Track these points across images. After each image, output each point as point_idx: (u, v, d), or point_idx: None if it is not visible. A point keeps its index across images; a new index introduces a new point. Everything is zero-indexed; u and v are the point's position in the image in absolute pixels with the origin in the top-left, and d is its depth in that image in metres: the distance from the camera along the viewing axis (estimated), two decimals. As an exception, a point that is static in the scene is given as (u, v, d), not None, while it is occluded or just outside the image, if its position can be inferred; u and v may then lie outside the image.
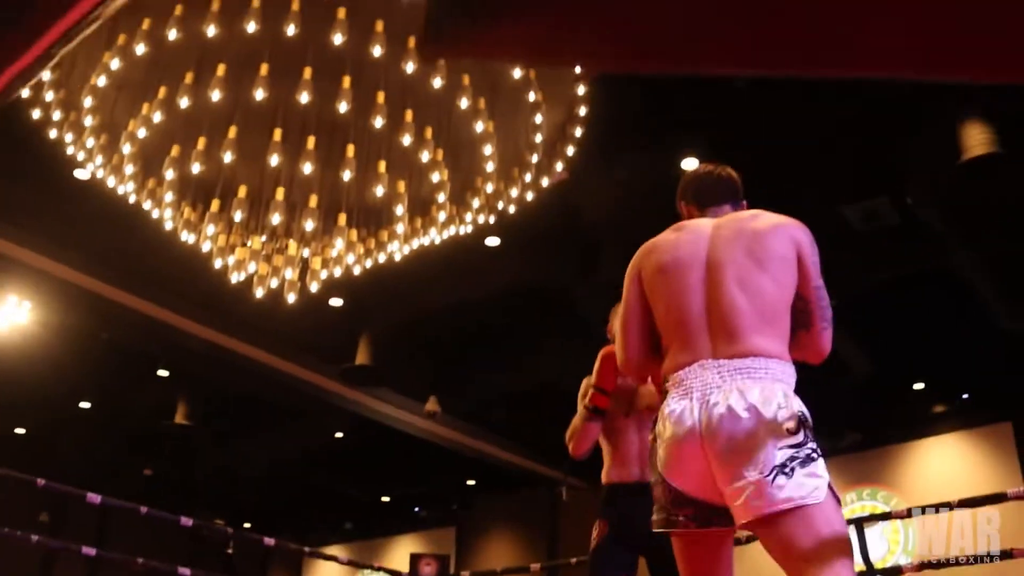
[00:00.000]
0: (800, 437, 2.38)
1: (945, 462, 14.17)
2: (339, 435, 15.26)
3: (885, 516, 6.96)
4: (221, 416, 14.68)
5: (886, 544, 13.96)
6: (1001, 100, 7.58)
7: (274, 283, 7.51)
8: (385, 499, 19.31)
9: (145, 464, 16.92)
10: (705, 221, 2.88)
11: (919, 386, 13.69)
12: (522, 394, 13.18)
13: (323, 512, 20.36)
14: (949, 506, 6.29)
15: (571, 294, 10.42)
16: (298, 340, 12.01)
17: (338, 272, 7.62)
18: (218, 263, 7.42)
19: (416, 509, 19.96)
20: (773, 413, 2.40)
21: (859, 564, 6.73)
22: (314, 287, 7.63)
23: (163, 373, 13.17)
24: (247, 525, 18.81)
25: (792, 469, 2.32)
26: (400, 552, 19.24)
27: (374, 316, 11.28)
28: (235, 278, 7.51)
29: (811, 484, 2.32)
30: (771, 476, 2.30)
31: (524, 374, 12.53)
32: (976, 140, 7.51)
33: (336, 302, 10.79)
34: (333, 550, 17.76)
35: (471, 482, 18.15)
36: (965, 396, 14.03)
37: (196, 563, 8.64)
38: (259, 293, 7.50)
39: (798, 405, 2.49)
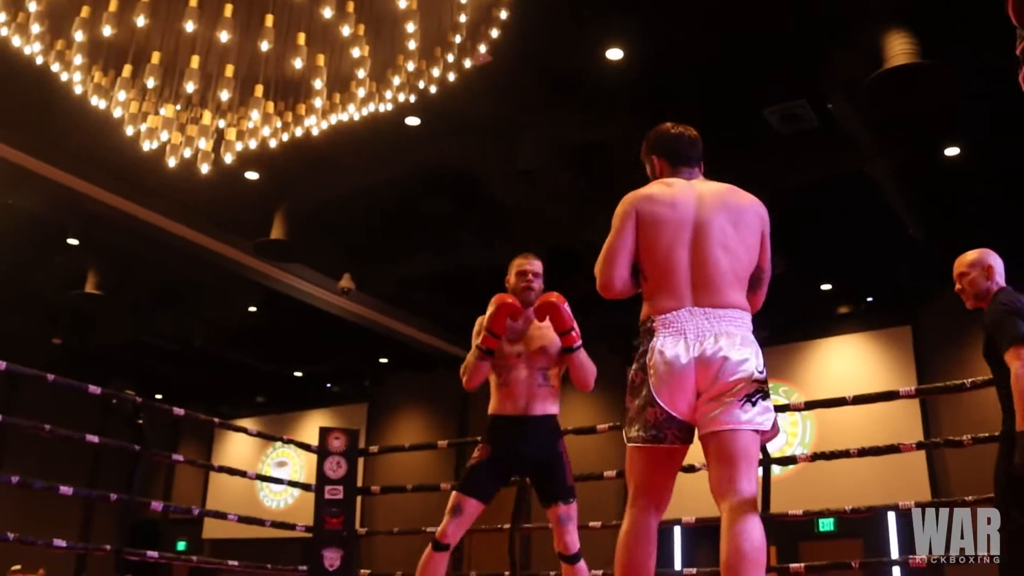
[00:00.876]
0: (763, 377, 3.02)
1: (846, 361, 14.62)
2: (252, 309, 15.20)
3: (784, 408, 7.16)
4: (132, 287, 14.51)
5: (784, 436, 14.44)
6: (926, 10, 7.63)
7: (188, 153, 7.37)
8: (297, 374, 19.38)
9: (53, 333, 16.70)
10: (689, 184, 3.29)
11: (826, 287, 14.02)
12: (439, 275, 13.22)
13: (235, 385, 20.38)
14: (844, 402, 6.51)
15: (490, 179, 10.40)
16: (212, 213, 11.86)
17: (253, 145, 7.49)
18: (130, 130, 7.24)
19: (328, 385, 20.07)
20: (749, 356, 2.99)
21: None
22: (228, 159, 7.49)
23: (72, 242, 12.91)
24: (158, 396, 18.75)
25: (756, 401, 2.96)
26: (311, 427, 19.40)
27: (290, 191, 11.16)
28: (147, 146, 7.35)
29: (765, 416, 2.99)
30: (742, 402, 2.94)
31: (441, 256, 12.55)
32: (898, 49, 7.57)
33: (251, 176, 10.64)
34: (244, 423, 17.81)
35: (384, 360, 18.27)
36: (869, 299, 14.42)
37: (105, 433, 8.61)
38: (172, 163, 7.36)
39: (759, 353, 3.07)
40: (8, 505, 18.98)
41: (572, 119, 9.43)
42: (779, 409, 6.61)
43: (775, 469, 6.91)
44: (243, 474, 8.66)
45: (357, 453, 8.32)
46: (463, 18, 6.88)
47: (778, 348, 14.35)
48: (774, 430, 3.15)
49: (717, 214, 3.16)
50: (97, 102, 7.22)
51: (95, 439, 7.17)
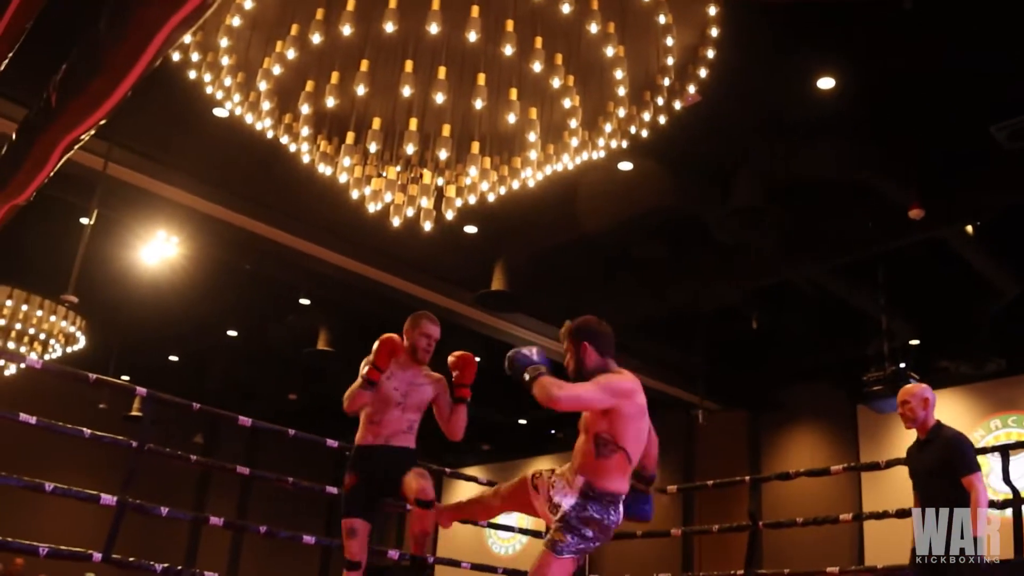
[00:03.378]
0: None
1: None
2: (476, 359, 15.48)
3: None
4: (361, 343, 14.97)
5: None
6: None
7: (410, 212, 7.60)
8: (522, 421, 19.54)
9: (289, 388, 17.46)
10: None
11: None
12: (657, 319, 13.13)
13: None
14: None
15: (704, 219, 10.28)
16: (434, 267, 12.16)
17: (472, 200, 7.66)
18: (355, 194, 7.54)
19: (553, 431, 20.15)
20: None
21: (1005, 491, 6.58)
22: (449, 215, 7.69)
23: (304, 302, 13.50)
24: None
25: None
26: (538, 473, 19.52)
27: (508, 243, 11.34)
28: (372, 208, 7.63)
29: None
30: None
31: (659, 299, 12.47)
32: None
33: (471, 229, 10.88)
34: (471, 471, 18.09)
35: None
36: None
37: (339, 483, 8.92)
38: (396, 222, 7.60)
39: None
40: (251, 554, 19.92)
41: (787, 152, 9.24)
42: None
43: None
44: (474, 522, 8.77)
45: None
46: (670, 60, 6.87)
47: (1018, 378, 13.50)
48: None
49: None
50: (323, 169, 7.57)
51: (333, 490, 7.42)
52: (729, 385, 15.17)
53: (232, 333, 15.38)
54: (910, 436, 5.77)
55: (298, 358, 14.73)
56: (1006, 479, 6.46)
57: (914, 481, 5.56)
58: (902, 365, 11.32)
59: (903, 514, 6.85)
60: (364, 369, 5.23)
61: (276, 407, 17.73)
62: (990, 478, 9.13)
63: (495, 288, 11.51)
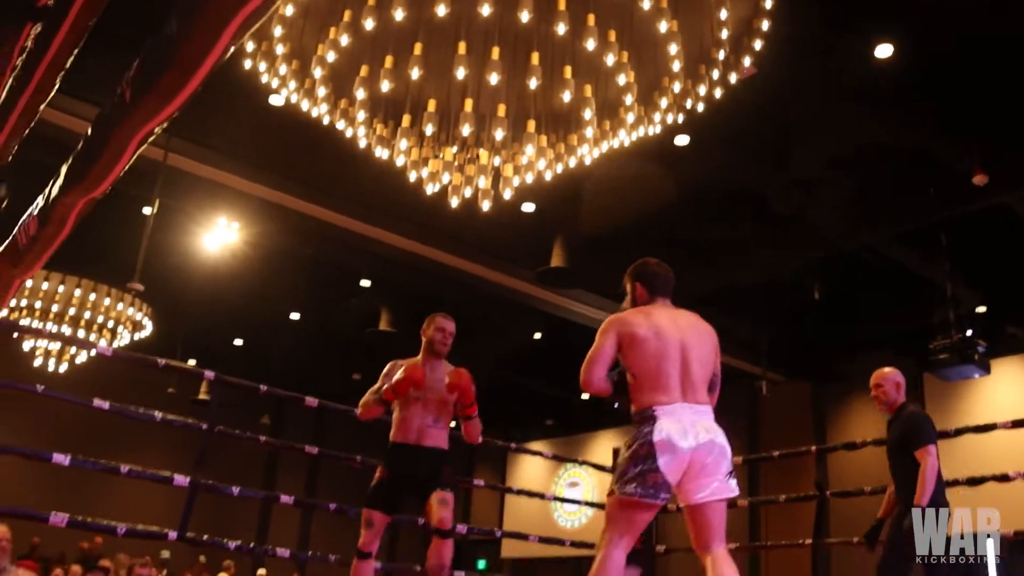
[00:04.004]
0: (731, 456, 4.02)
1: None
2: (537, 336, 15.54)
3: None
4: (422, 322, 15.10)
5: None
6: None
7: (468, 192, 7.65)
8: (584, 396, 19.59)
9: (353, 369, 17.64)
10: (665, 311, 4.28)
11: None
12: (717, 292, 13.10)
13: (525, 410, 20.84)
14: None
15: (763, 191, 10.23)
16: (493, 246, 12.23)
17: (530, 178, 7.68)
18: (413, 176, 7.60)
19: (616, 405, 20.19)
20: (725, 442, 3.99)
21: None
22: (507, 194, 7.72)
23: (365, 283, 13.65)
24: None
25: (733, 475, 4.01)
26: (602, 447, 19.59)
27: (567, 220, 11.35)
28: (430, 189, 7.69)
29: (736, 487, 4.02)
30: (727, 478, 3.96)
31: (719, 272, 12.43)
32: None
33: (529, 208, 10.91)
34: (536, 446, 18.17)
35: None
36: None
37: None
38: (454, 202, 7.65)
39: None
40: (322, 529, 20.21)
41: (845, 121, 9.16)
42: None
43: None
44: (541, 496, 8.86)
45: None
46: (725, 34, 6.83)
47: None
48: None
49: (693, 338, 4.16)
50: (380, 152, 7.63)
51: (401, 470, 7.51)
52: (792, 356, 15.09)
53: (295, 316, 15.58)
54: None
55: (361, 338, 14.89)
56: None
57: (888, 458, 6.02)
58: (968, 333, 11.21)
59: (975, 482, 6.82)
60: (381, 381, 5.50)
61: (341, 387, 17.92)
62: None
63: (554, 265, 11.55)
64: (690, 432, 3.95)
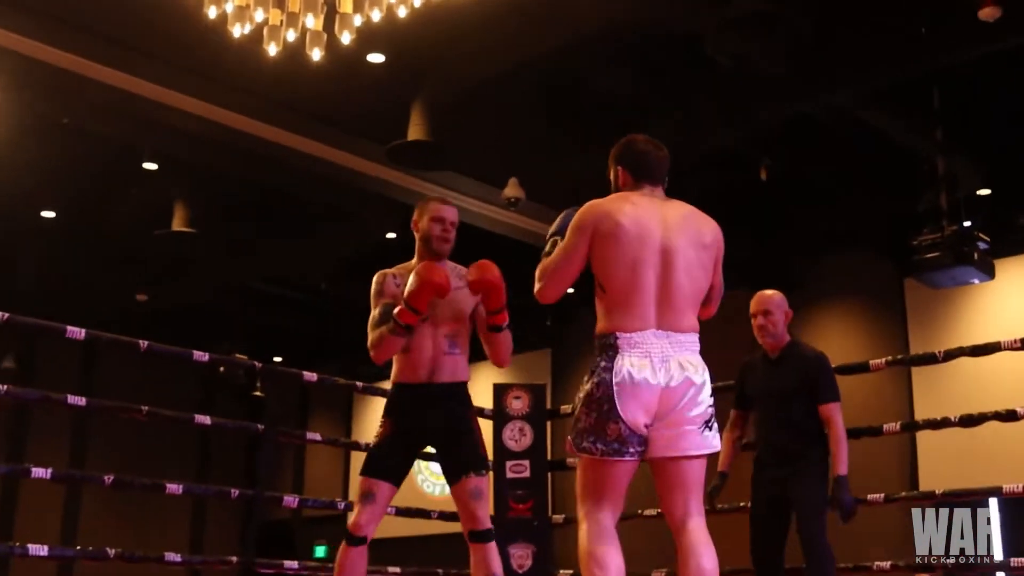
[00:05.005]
0: (712, 401, 4.17)
1: None
2: (391, 235, 15.45)
3: None
4: (233, 219, 14.92)
5: None
6: None
7: (291, 36, 7.52)
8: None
9: (136, 287, 17.36)
10: (653, 204, 4.36)
11: None
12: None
13: (375, 338, 20.81)
14: None
15: (693, 32, 10.23)
16: (328, 113, 12.08)
17: (377, 15, 7.58)
18: (213, 12, 7.43)
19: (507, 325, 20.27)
20: (707, 382, 4.14)
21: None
22: (345, 38, 7.61)
23: (150, 166, 13.34)
24: (277, 359, 19.35)
25: (712, 426, 4.16)
26: (480, 383, 19.66)
27: (429, 75, 11.24)
28: (237, 31, 7.53)
29: (716, 438, 4.21)
30: (700, 429, 4.10)
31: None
32: None
33: (376, 59, 10.77)
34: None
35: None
36: None
37: (213, 409, 8.95)
38: (272, 50, 7.52)
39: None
40: (98, 511, 19.98)
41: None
42: None
43: None
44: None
45: (545, 415, 8.40)
46: None
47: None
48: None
49: (682, 236, 4.25)
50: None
51: (206, 420, 7.39)
52: (731, 256, 15.28)
53: (49, 214, 15.14)
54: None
55: (146, 243, 14.62)
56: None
57: (757, 404, 6.76)
58: (967, 223, 11.35)
59: (970, 422, 7.01)
60: (379, 300, 5.60)
61: (119, 312, 17.65)
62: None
63: (412, 138, 11.45)
64: (660, 368, 4.09)
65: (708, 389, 4.15)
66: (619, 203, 4.30)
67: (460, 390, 5.54)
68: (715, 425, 4.19)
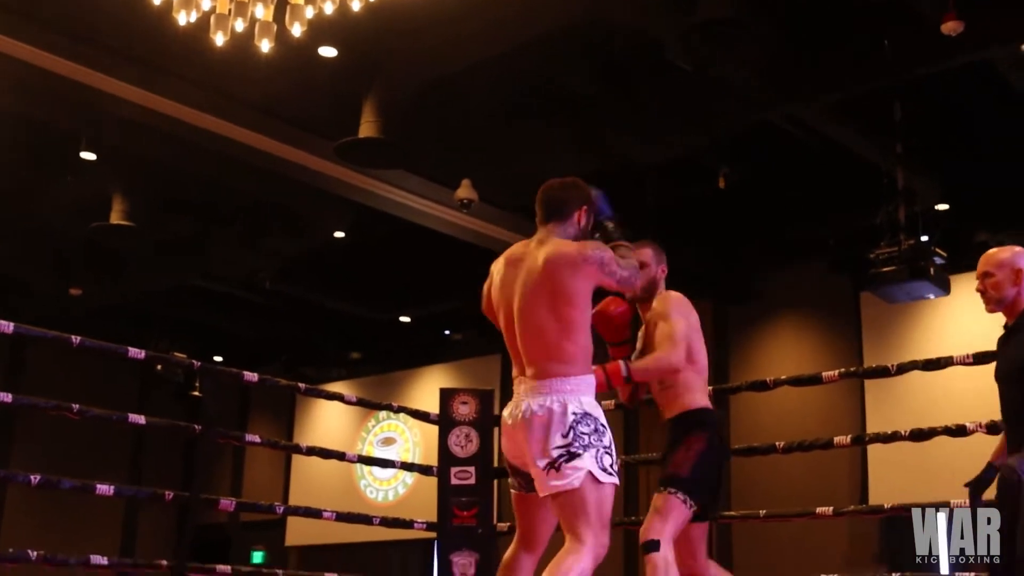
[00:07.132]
0: (566, 442, 4.32)
1: None
2: (339, 235, 15.41)
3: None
4: (174, 213, 14.84)
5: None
6: None
7: (240, 26, 7.50)
8: (404, 319, 19.61)
9: (70, 280, 17.24)
10: (525, 252, 4.71)
11: None
12: (588, 176, 13.18)
13: (322, 339, 20.76)
14: None
15: (656, 37, 10.27)
16: (276, 107, 12.03)
17: (329, 8, 7.58)
18: None
19: (446, 332, 20.27)
20: (549, 414, 4.37)
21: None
22: (296, 30, 7.60)
23: (88, 156, 13.25)
24: (218, 359, 19.27)
25: (563, 462, 4.29)
26: (427, 389, 19.68)
27: (382, 71, 11.23)
28: (183, 19, 7.50)
29: (575, 475, 4.27)
30: (547, 471, 4.29)
31: (589, 149, 12.50)
32: None
33: (328, 52, 10.75)
34: (336, 387, 18.19)
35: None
36: None
37: (150, 409, 8.89)
38: (219, 40, 7.50)
39: (571, 415, 4.39)
40: (22, 511, 19.81)
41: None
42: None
43: None
44: (340, 456, 8.83)
45: (493, 421, 8.43)
46: None
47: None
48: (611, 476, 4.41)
49: (526, 295, 4.49)
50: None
51: (140, 419, 7.33)
52: (686, 267, 15.36)
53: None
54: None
55: (81, 236, 14.53)
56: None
57: (996, 381, 5.51)
58: (924, 238, 11.44)
59: (920, 436, 7.06)
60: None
61: (51, 307, 17.54)
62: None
63: (363, 135, 11.44)
64: (514, 409, 4.49)
65: (558, 421, 4.35)
66: (512, 248, 4.80)
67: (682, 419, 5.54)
68: (564, 464, 4.31)
